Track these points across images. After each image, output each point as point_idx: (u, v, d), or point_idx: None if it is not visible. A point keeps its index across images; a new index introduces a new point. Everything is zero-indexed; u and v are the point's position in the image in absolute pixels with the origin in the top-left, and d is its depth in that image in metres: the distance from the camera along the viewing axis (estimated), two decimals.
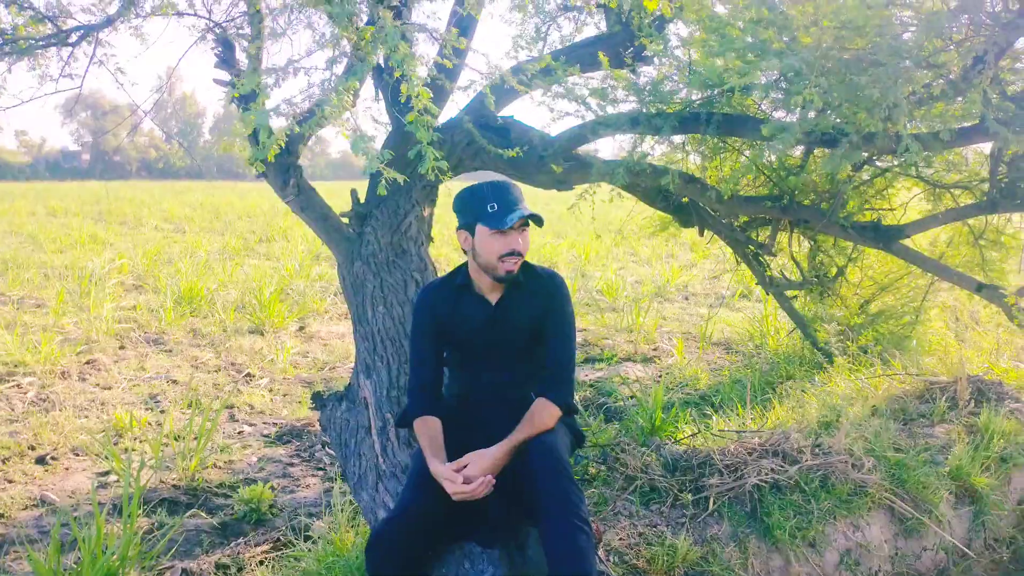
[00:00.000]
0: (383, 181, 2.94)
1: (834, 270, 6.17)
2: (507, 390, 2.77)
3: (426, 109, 2.78)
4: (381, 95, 4.92)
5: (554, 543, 2.26)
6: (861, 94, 3.25)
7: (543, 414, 2.59)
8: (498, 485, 2.47)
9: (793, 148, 4.92)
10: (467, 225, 2.65)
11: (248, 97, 2.80)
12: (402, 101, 2.78)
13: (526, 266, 2.77)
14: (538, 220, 2.61)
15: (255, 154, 2.74)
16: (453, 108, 4.83)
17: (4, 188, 36.24)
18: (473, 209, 2.61)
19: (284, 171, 4.18)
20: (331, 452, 4.94)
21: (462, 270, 2.80)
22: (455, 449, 2.61)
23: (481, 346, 2.77)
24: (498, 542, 2.46)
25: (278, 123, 2.81)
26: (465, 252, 2.74)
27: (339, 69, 2.91)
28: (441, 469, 2.45)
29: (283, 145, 2.79)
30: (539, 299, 2.72)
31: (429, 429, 2.65)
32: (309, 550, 3.41)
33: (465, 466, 2.47)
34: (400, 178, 2.95)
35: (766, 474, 3.47)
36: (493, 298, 2.75)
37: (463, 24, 4.33)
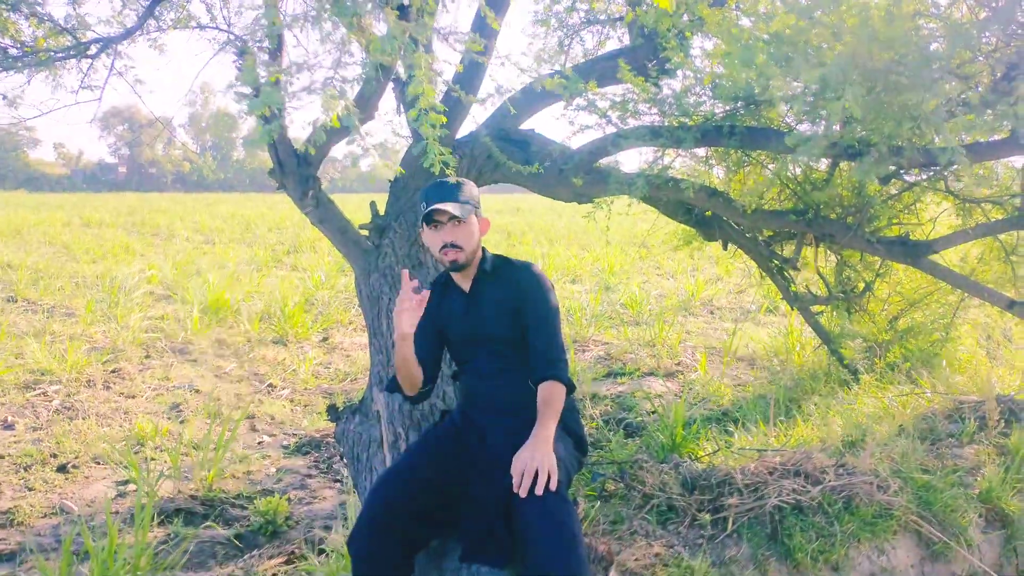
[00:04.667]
0: (436, 163, 2.97)
1: (861, 285, 6.06)
2: (499, 393, 2.81)
3: (433, 107, 2.79)
4: (403, 108, 4.91)
5: (540, 561, 2.23)
6: (892, 102, 3.18)
7: (553, 395, 2.62)
8: (498, 498, 2.44)
9: (818, 161, 4.85)
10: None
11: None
12: (407, 99, 2.79)
13: (500, 259, 2.91)
14: (452, 216, 2.68)
15: (258, 137, 2.75)
16: (473, 122, 4.81)
17: (41, 199, 36.89)
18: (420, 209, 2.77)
19: (303, 182, 4.19)
20: None
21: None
22: (457, 464, 2.65)
23: (463, 335, 2.87)
24: (507, 562, 2.41)
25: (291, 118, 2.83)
26: None
27: (346, 72, 2.92)
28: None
29: (278, 132, 2.79)
30: (511, 287, 2.81)
31: None
32: (321, 564, 3.38)
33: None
34: (451, 160, 2.97)
35: (788, 494, 3.38)
36: (466, 287, 2.87)
37: (482, 35, 4.31)
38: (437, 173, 3.09)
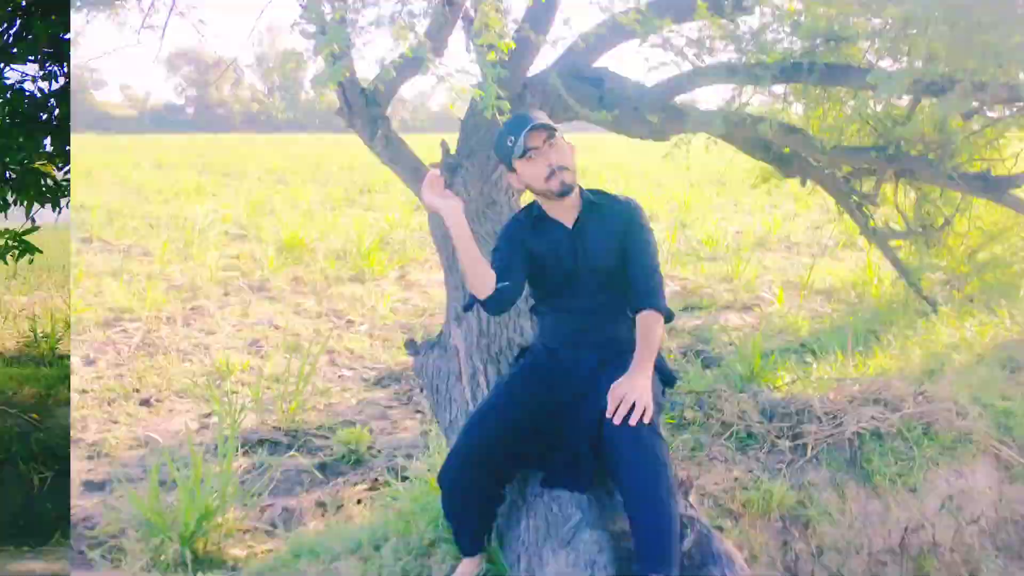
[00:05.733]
0: (491, 106, 2.92)
1: (940, 220, 5.94)
2: (594, 330, 2.75)
3: (494, 44, 2.74)
4: (471, 46, 4.89)
5: (632, 487, 2.27)
6: (976, 39, 3.08)
7: (653, 327, 2.60)
8: (586, 429, 2.47)
9: (900, 98, 4.74)
10: (511, 168, 2.70)
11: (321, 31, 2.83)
12: (474, 31, 2.75)
13: (599, 192, 2.80)
14: (548, 128, 2.58)
15: (326, 77, 2.74)
16: (545, 60, 4.77)
17: (110, 141, 37.30)
18: (504, 151, 2.64)
19: (371, 122, 4.21)
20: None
21: (535, 202, 2.80)
22: (545, 403, 2.63)
23: (564, 270, 2.74)
24: (588, 487, 2.48)
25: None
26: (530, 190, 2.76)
27: (412, 6, 2.89)
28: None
29: (348, 71, 2.77)
30: (617, 219, 2.72)
31: None
32: (405, 490, 3.46)
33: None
34: (505, 106, 2.93)
35: (867, 422, 3.41)
36: (569, 221, 2.74)
37: None
38: (489, 117, 3.02)
